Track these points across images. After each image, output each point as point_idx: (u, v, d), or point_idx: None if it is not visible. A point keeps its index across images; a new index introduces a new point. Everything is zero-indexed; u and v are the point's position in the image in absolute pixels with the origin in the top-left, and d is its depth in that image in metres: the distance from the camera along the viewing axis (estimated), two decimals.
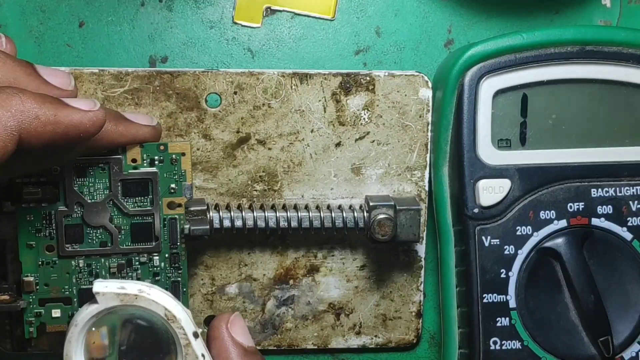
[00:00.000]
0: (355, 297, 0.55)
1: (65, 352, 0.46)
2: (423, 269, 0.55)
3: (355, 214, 0.52)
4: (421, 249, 0.55)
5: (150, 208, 0.50)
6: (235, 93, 0.53)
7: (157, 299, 0.46)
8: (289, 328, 0.55)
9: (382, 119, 0.53)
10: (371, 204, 0.52)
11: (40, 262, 0.50)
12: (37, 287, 0.50)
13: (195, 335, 0.46)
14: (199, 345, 0.46)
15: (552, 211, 0.52)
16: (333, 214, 0.52)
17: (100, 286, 0.46)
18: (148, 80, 0.52)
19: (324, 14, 0.55)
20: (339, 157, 0.54)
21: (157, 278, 0.51)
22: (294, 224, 0.52)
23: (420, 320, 0.56)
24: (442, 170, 0.53)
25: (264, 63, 0.55)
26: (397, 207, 0.52)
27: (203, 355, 0.46)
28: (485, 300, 0.52)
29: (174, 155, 0.50)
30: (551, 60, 0.52)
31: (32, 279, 0.50)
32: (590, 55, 0.52)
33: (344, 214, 0.52)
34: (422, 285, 0.55)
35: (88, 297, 0.50)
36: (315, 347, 0.56)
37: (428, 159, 0.54)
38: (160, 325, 0.47)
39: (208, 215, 0.51)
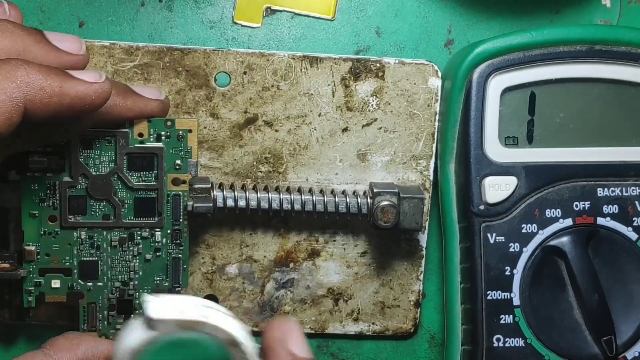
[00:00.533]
0: (355, 284, 0.55)
1: None
2: (424, 259, 0.55)
3: (359, 200, 0.52)
4: (423, 238, 0.55)
5: (154, 183, 0.50)
6: (244, 73, 0.53)
7: (220, 323, 0.41)
8: (287, 311, 0.55)
9: (390, 106, 0.53)
10: (375, 190, 0.52)
11: (42, 232, 0.50)
12: (38, 256, 0.50)
13: (260, 356, 0.43)
14: None
15: (558, 210, 0.52)
16: (336, 199, 0.52)
17: (156, 310, 0.39)
18: (158, 56, 0.52)
19: (324, 14, 0.55)
20: (345, 142, 0.54)
21: (158, 254, 0.51)
22: (297, 206, 0.52)
23: (419, 310, 0.56)
24: (449, 167, 0.53)
25: None
26: (401, 195, 0.52)
27: None
28: (489, 298, 0.52)
29: (180, 132, 0.50)
30: (559, 59, 0.52)
31: (33, 248, 0.50)
32: (599, 55, 0.52)
33: (348, 199, 0.52)
34: (422, 274, 0.55)
35: (88, 268, 0.50)
36: (313, 331, 0.56)
37: (434, 148, 0.54)
38: (214, 349, 0.42)
39: (212, 194, 0.51)
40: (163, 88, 0.52)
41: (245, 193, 0.52)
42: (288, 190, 0.53)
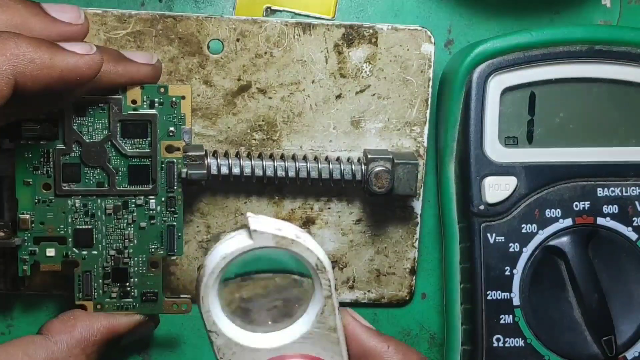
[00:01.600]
0: (350, 251, 0.55)
1: (204, 281, 0.42)
2: (419, 226, 0.55)
3: (353, 167, 0.52)
4: (417, 205, 0.55)
5: (148, 150, 0.50)
6: (237, 40, 0.52)
7: (311, 246, 0.43)
8: None
9: (384, 72, 0.53)
10: (369, 156, 0.52)
11: (36, 200, 0.50)
12: (33, 225, 0.50)
13: (336, 287, 0.45)
14: (336, 298, 0.44)
15: (558, 210, 0.52)
16: (330, 166, 0.52)
17: (257, 223, 0.42)
18: (151, 24, 0.52)
19: (324, 14, 0.55)
20: (339, 109, 0.54)
21: (152, 221, 0.51)
22: (291, 174, 0.52)
23: (414, 277, 0.56)
24: (448, 167, 0.53)
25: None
26: (395, 161, 0.52)
27: (338, 309, 0.45)
28: (489, 298, 0.52)
29: (174, 98, 0.50)
30: (560, 59, 0.51)
31: (27, 216, 0.50)
32: (599, 55, 0.52)
33: (342, 166, 0.52)
34: (417, 242, 0.55)
35: (82, 237, 0.50)
36: None
37: (428, 115, 0.54)
38: (299, 274, 0.44)
39: (206, 161, 0.51)
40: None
41: (239, 161, 0.52)
42: (282, 157, 0.53)
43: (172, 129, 0.50)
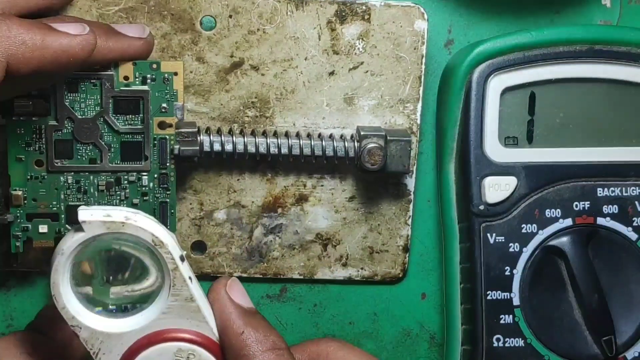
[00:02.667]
0: (343, 229, 0.55)
1: (52, 281, 0.45)
2: (412, 203, 0.55)
3: (346, 144, 0.52)
4: (411, 182, 0.55)
5: (140, 127, 0.50)
6: (230, 16, 0.52)
7: (144, 225, 0.45)
8: (275, 257, 0.55)
9: (377, 49, 0.53)
10: (362, 133, 0.52)
11: (29, 177, 0.50)
12: (25, 201, 0.50)
13: (182, 258, 0.46)
14: (185, 269, 0.46)
15: (558, 210, 0.52)
16: (324, 143, 0.52)
17: (85, 214, 0.44)
18: (143, 0, 0.52)
19: None
20: (332, 86, 0.53)
21: (145, 198, 0.51)
22: (284, 150, 0.52)
23: (407, 255, 0.56)
24: (448, 167, 0.53)
25: None
26: (388, 138, 0.52)
27: (190, 278, 0.46)
28: (489, 298, 0.52)
29: (166, 74, 0.50)
30: (559, 59, 0.51)
31: (20, 193, 0.50)
32: (599, 55, 0.52)
33: (335, 143, 0.52)
34: (410, 219, 0.55)
35: (75, 213, 0.50)
36: (301, 277, 0.56)
37: (421, 92, 0.54)
38: (146, 251, 0.46)
39: (198, 138, 0.51)
40: None
41: (232, 137, 0.51)
42: (275, 134, 0.53)
43: (164, 105, 0.50)
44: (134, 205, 0.51)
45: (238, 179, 0.54)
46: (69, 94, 0.49)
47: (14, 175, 0.50)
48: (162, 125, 0.50)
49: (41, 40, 0.42)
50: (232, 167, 0.54)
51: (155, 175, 0.51)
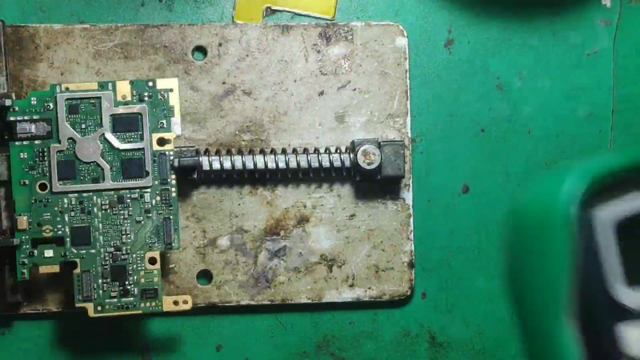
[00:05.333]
0: (347, 248, 0.55)
1: None
2: (412, 218, 0.56)
3: (342, 155, 0.53)
4: (408, 196, 0.56)
5: (140, 143, 0.51)
6: (220, 45, 0.55)
7: None
8: (282, 282, 0.55)
9: (362, 67, 0.56)
10: (356, 141, 0.53)
11: (33, 200, 0.51)
12: (30, 226, 0.51)
13: None
14: None
15: None
16: (320, 156, 0.53)
17: None
18: (136, 35, 0.54)
19: (324, 14, 0.57)
20: (323, 106, 0.55)
21: (148, 215, 0.51)
22: (281, 165, 0.53)
23: (413, 271, 0.56)
24: (563, 324, 0.41)
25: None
26: (381, 142, 0.53)
27: None
28: None
29: (162, 91, 0.51)
30: None
31: (25, 218, 0.50)
32: None
33: (330, 155, 0.53)
34: (412, 234, 0.56)
35: (80, 235, 0.51)
36: (310, 301, 0.55)
37: (409, 105, 0.56)
38: None
39: (199, 158, 0.52)
40: (143, 65, 0.54)
41: (230, 156, 0.53)
42: (272, 151, 0.54)
43: (162, 121, 0.51)
44: (137, 224, 0.51)
45: (239, 204, 0.55)
46: (69, 115, 0.51)
47: (18, 200, 0.51)
48: (161, 142, 0.51)
49: None
50: (232, 193, 0.55)
51: (157, 192, 0.51)
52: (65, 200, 0.51)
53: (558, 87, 0.57)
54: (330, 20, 0.57)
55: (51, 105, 0.51)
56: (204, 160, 0.52)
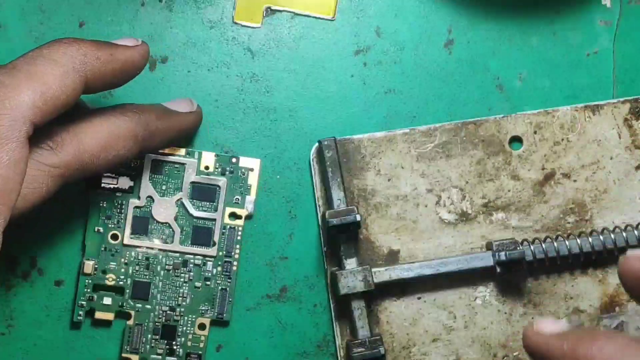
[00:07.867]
0: None
1: None
2: None
3: None
4: None
5: (213, 214, 0.53)
6: (535, 132, 0.56)
7: None
8: None
9: None
10: None
11: (102, 248, 0.53)
12: (95, 272, 0.53)
13: None
14: None
15: None
16: None
17: None
18: (455, 133, 0.56)
19: (324, 14, 0.56)
20: None
21: (207, 283, 0.53)
22: (609, 246, 0.54)
23: None
24: None
25: (264, 63, 0.56)
26: None
27: None
28: None
29: (243, 169, 0.53)
30: None
31: (92, 263, 0.53)
32: None
33: None
34: None
35: (140, 289, 0.53)
36: None
37: None
38: None
39: (519, 247, 0.53)
40: (463, 160, 0.56)
41: (553, 243, 0.54)
42: (592, 232, 0.55)
43: (237, 197, 0.53)
44: (195, 289, 0.53)
45: (572, 285, 0.56)
46: (153, 175, 0.53)
47: (89, 245, 0.53)
48: (232, 216, 0.53)
49: (110, 55, 0.46)
50: (562, 275, 0.56)
51: (220, 262, 0.53)
52: (133, 254, 0.53)
53: (558, 87, 0.57)
54: (330, 20, 0.56)
55: (138, 161, 0.53)
56: (527, 251, 0.54)
